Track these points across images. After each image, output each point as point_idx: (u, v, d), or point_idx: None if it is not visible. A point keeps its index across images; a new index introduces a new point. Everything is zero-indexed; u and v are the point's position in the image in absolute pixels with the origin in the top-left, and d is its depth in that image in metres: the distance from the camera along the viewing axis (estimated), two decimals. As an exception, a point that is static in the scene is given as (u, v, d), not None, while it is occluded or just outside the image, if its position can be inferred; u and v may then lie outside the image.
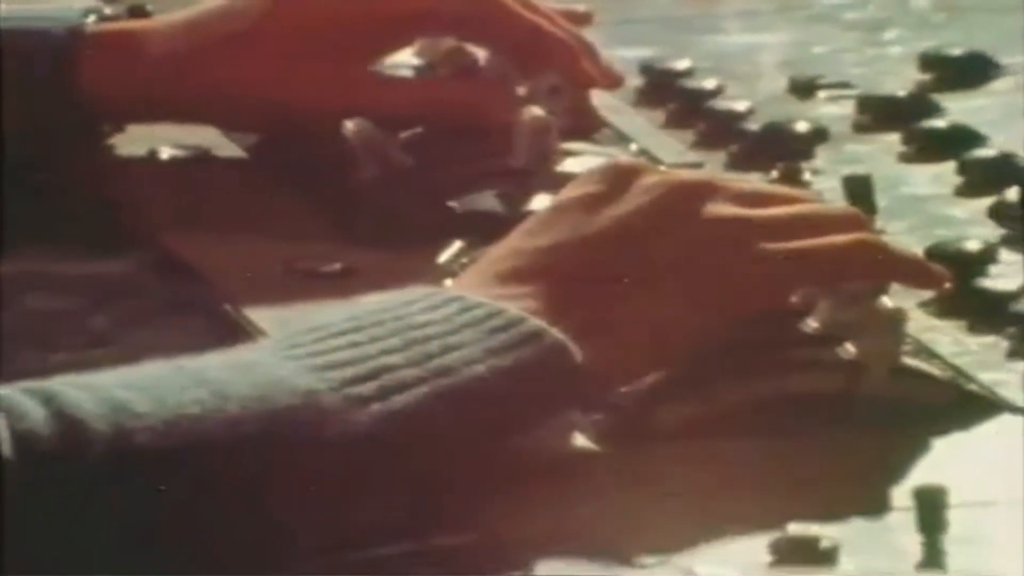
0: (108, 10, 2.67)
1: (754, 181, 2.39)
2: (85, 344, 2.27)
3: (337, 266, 2.34)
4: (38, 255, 2.48)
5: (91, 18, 2.58)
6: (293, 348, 2.11)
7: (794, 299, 2.17)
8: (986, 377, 2.16)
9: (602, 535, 1.99)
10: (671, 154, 2.50)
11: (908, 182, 2.48)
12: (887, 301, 2.17)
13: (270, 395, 2.07)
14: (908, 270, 2.22)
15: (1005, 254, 2.32)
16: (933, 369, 2.17)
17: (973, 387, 2.15)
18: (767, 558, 1.84)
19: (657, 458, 2.12)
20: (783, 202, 2.24)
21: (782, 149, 2.51)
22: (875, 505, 2.03)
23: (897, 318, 2.17)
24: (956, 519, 1.94)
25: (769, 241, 2.19)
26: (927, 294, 2.26)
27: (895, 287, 2.20)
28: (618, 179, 2.20)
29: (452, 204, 2.44)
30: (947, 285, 2.24)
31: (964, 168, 2.44)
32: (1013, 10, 2.75)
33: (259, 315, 2.30)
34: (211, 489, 2.07)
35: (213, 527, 2.06)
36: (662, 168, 2.33)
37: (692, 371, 2.18)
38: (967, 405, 2.15)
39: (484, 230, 2.31)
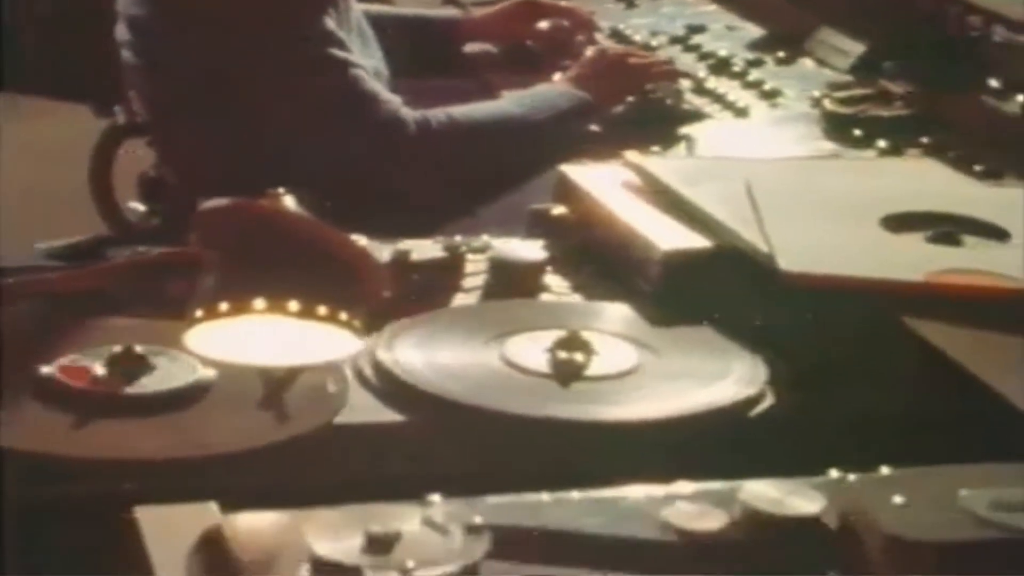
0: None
1: (645, 53, 2.43)
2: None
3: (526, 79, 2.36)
4: (424, 82, 2.43)
5: (458, 13, 2.64)
6: (511, 99, 2.28)
7: (650, 86, 2.27)
8: (705, 109, 2.27)
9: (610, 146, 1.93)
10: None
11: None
12: (680, 85, 2.31)
13: (505, 114, 2.25)
14: (680, 73, 2.32)
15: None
16: (692, 108, 2.27)
17: (704, 112, 2.26)
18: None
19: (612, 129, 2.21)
20: (647, 57, 2.38)
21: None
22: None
23: (681, 89, 2.30)
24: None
25: (650, 68, 2.31)
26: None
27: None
28: (600, 53, 2.35)
29: (563, 63, 2.40)
30: (690, 78, 2.31)
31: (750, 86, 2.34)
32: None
33: (506, 94, 2.31)
34: (495, 140, 2.22)
35: (502, 151, 2.21)
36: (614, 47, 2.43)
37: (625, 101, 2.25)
38: (703, 117, 2.24)
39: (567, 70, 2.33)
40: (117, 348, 1.27)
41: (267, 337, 1.19)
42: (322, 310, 1.16)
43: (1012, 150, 1.83)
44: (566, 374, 1.31)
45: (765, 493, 0.95)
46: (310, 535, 0.90)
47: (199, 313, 1.17)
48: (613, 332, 1.39)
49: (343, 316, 1.18)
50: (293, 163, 2.05)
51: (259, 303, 1.15)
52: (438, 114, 2.20)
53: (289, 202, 1.27)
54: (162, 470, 1.16)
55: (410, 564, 0.87)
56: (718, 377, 1.32)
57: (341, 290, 1.19)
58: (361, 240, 1.41)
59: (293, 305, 1.15)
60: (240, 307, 1.16)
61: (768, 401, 1.30)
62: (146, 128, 2.38)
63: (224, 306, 1.16)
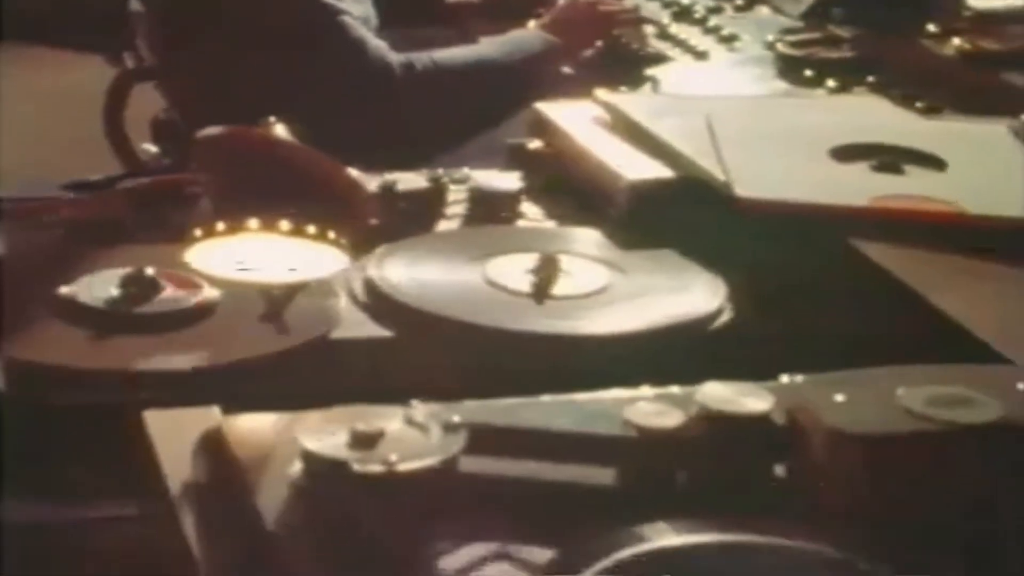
0: None
1: (613, 1, 2.34)
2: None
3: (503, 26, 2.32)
4: (410, 30, 2.36)
5: None
6: (489, 44, 2.27)
7: (617, 31, 2.27)
8: (669, 53, 2.23)
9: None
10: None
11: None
12: (646, 31, 2.27)
13: (483, 57, 2.24)
14: (645, 19, 2.31)
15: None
16: (656, 52, 2.23)
17: (667, 55, 2.21)
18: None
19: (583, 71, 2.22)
20: (614, 5, 2.33)
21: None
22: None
23: (646, 35, 2.29)
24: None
25: (618, 15, 2.31)
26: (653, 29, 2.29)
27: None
28: (572, 1, 2.32)
29: (537, 11, 2.39)
30: (654, 25, 2.28)
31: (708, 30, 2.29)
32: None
33: (483, 40, 2.27)
34: (474, 81, 2.19)
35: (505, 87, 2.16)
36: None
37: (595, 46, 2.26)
38: (666, 60, 2.19)
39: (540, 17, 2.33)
40: (128, 270, 1.27)
41: (263, 256, 1.20)
42: (312, 229, 1.17)
43: (949, 88, 1.84)
44: (542, 292, 1.31)
45: (719, 394, 0.94)
46: (301, 433, 0.90)
47: (197, 232, 1.17)
48: (585, 255, 1.39)
49: (331, 234, 1.18)
50: (287, 105, 2.03)
51: (253, 222, 1.16)
52: (422, 57, 2.19)
53: (280, 130, 1.28)
54: (171, 380, 1.17)
55: (392, 458, 0.87)
56: (681, 294, 1.32)
57: (333, 216, 1.19)
58: (352, 171, 1.40)
59: (285, 224, 1.16)
60: (236, 226, 1.16)
61: (726, 316, 1.29)
62: (154, 72, 2.38)
63: (220, 225, 1.16)
